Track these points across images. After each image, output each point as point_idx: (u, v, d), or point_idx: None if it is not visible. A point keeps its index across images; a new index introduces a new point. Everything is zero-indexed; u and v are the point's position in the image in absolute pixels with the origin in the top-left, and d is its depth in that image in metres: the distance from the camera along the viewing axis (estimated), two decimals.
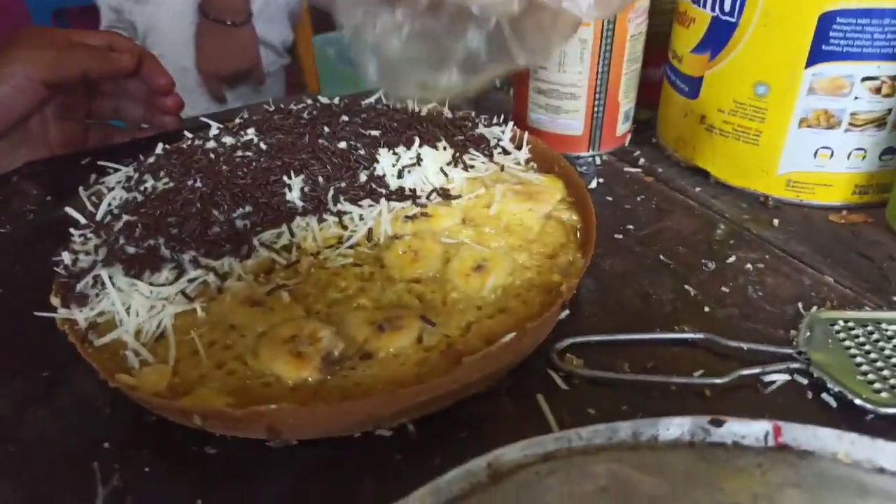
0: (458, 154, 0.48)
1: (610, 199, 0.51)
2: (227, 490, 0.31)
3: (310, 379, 0.33)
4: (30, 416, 0.35)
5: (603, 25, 0.50)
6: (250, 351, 0.35)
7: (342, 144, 0.48)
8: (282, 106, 0.56)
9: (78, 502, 0.31)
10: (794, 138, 0.47)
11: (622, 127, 0.57)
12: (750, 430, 0.27)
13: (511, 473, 0.27)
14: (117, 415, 0.35)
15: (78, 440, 0.34)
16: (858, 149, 0.46)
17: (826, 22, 0.42)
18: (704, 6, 0.48)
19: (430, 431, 0.34)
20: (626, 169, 0.55)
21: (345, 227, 0.42)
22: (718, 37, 0.48)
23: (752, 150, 0.49)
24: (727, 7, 0.46)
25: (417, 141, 0.47)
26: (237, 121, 0.54)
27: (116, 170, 0.50)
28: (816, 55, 0.44)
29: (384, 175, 0.46)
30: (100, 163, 0.50)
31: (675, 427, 0.28)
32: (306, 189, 0.44)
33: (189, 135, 0.52)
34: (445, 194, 0.45)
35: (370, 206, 0.44)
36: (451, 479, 0.26)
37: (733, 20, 0.46)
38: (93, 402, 0.36)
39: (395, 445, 0.33)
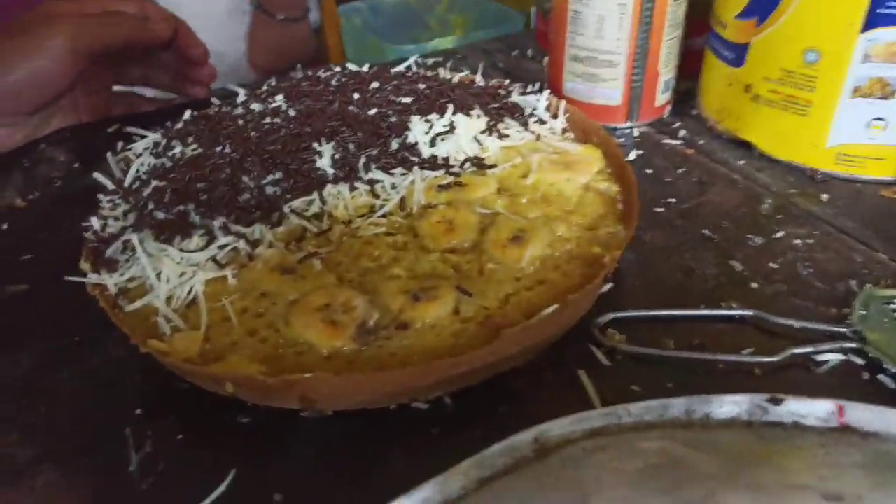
0: (492, 122, 0.46)
1: (649, 171, 0.50)
2: (261, 459, 0.31)
3: (344, 348, 0.32)
4: (59, 378, 0.35)
5: None
6: (282, 319, 0.34)
7: (373, 111, 0.46)
8: (309, 73, 0.54)
9: (110, 467, 0.30)
10: (846, 109, 0.45)
11: (661, 97, 0.55)
12: (811, 410, 0.26)
13: (557, 448, 0.26)
14: (148, 381, 0.35)
15: (108, 405, 0.34)
16: None
17: None
18: None
19: (467, 405, 0.33)
20: (665, 141, 0.53)
21: (376, 196, 0.41)
22: (766, 1, 0.45)
23: (800, 121, 0.47)
24: None
25: (451, 108, 0.46)
26: (264, 88, 0.53)
27: (144, 137, 0.49)
28: (872, 19, 0.41)
29: (416, 143, 0.44)
30: (127, 129, 0.49)
31: (730, 405, 0.26)
32: (337, 156, 0.42)
33: (217, 101, 0.51)
34: (480, 163, 0.44)
35: (402, 174, 0.42)
36: (495, 453, 0.25)
37: None
38: (123, 368, 0.35)
39: (431, 419, 0.32)
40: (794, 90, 0.46)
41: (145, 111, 0.60)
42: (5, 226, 0.46)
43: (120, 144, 0.53)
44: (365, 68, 0.55)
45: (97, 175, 0.43)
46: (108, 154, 0.46)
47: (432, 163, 0.43)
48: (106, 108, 0.59)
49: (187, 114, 0.50)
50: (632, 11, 0.49)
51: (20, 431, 0.32)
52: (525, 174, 0.43)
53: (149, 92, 0.63)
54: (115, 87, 0.60)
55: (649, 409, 0.26)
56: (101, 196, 0.42)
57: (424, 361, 0.32)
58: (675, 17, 0.51)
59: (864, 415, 0.25)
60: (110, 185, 0.43)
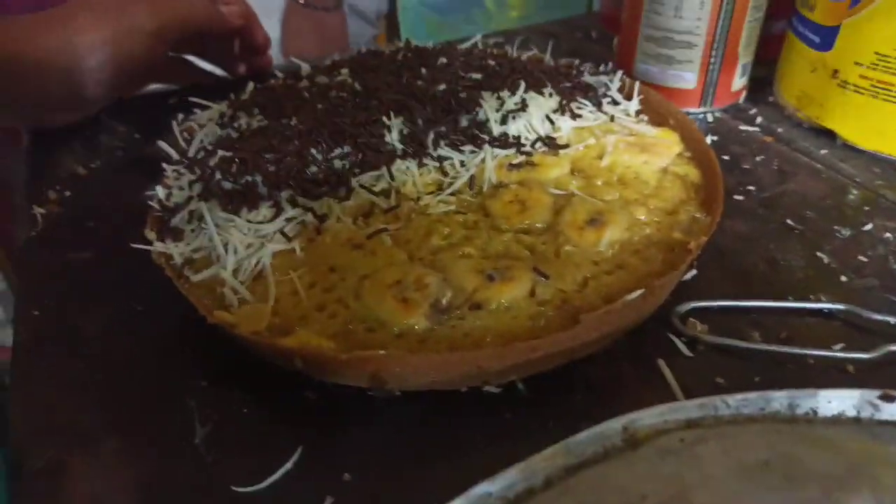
0: (565, 102, 0.45)
1: (726, 158, 0.47)
2: (329, 437, 0.30)
3: (417, 326, 0.31)
4: (123, 346, 0.35)
5: None
6: (352, 294, 0.33)
7: (441, 87, 0.45)
8: (374, 48, 0.53)
9: (175, 438, 0.30)
10: None
11: (738, 82, 0.52)
12: None
13: (649, 439, 0.24)
14: (213, 353, 0.34)
15: (172, 375, 0.33)
16: None
17: None
18: None
19: (541, 391, 0.31)
20: (741, 127, 0.51)
21: (445, 174, 0.40)
22: None
23: (890, 108, 0.44)
24: None
25: (523, 85, 0.44)
26: (327, 62, 0.52)
27: (206, 107, 0.48)
28: None
29: (487, 120, 0.43)
30: (191, 99, 0.49)
31: (838, 400, 0.24)
32: (405, 131, 0.41)
33: (280, 74, 0.50)
34: (552, 143, 0.42)
35: (472, 152, 0.41)
36: (583, 440, 0.24)
37: None
38: (186, 339, 0.35)
39: (504, 403, 0.31)
40: (888, 76, 0.43)
41: (205, 84, 0.59)
42: (67, 193, 0.46)
43: (180, 117, 0.53)
44: (430, 45, 0.54)
45: (161, 143, 0.43)
46: (174, 123, 0.45)
47: (503, 141, 0.42)
48: (161, 78, 0.58)
49: (251, 86, 0.49)
50: None
51: (87, 397, 0.32)
52: (599, 156, 0.41)
53: (204, 65, 0.62)
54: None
55: (749, 401, 0.25)
56: (165, 165, 0.42)
57: (500, 343, 0.30)
58: None
59: None
60: (174, 155, 0.43)
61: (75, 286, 0.38)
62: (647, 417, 0.24)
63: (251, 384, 0.32)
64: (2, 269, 1.59)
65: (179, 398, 0.31)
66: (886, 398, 0.24)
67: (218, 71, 0.61)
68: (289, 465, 0.28)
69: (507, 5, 0.83)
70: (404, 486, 0.28)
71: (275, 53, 0.90)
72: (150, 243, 0.36)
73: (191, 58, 0.60)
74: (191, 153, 0.42)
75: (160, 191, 0.39)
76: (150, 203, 0.39)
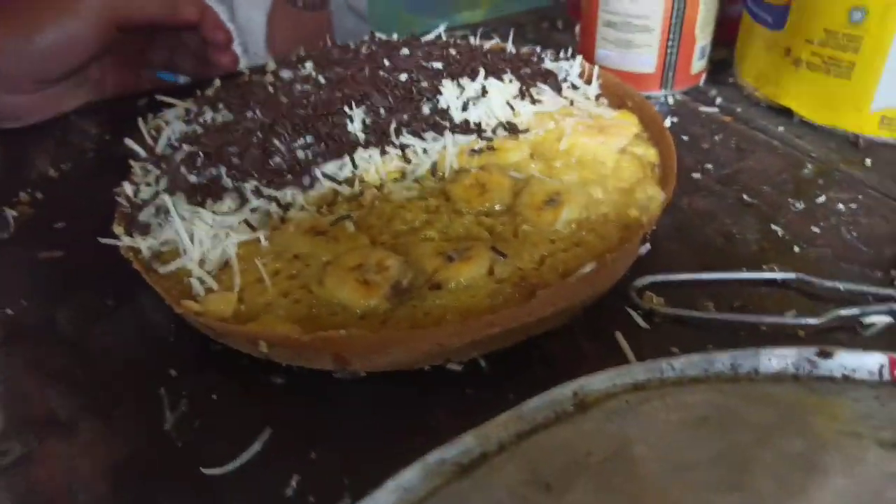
0: (525, 87, 0.46)
1: (685, 138, 0.48)
2: (295, 419, 0.31)
3: (378, 308, 0.32)
4: (94, 338, 0.35)
5: None
6: (316, 279, 0.34)
7: (403, 77, 0.46)
8: (338, 43, 0.54)
9: (147, 424, 0.30)
10: (892, 70, 0.43)
11: (697, 64, 0.53)
12: (862, 363, 0.25)
13: (598, 402, 0.25)
14: (181, 342, 0.35)
15: (142, 365, 0.34)
16: None
17: None
18: None
19: (502, 367, 0.32)
20: (701, 108, 0.52)
21: (408, 161, 0.41)
22: None
23: (842, 84, 0.45)
24: None
25: (482, 73, 0.45)
26: (293, 57, 0.52)
27: (170, 103, 0.49)
28: None
29: (448, 108, 0.43)
30: (158, 97, 0.49)
31: (777, 358, 0.25)
32: (368, 121, 0.42)
33: (246, 70, 0.51)
34: (512, 128, 0.43)
35: (434, 139, 0.42)
36: (534, 407, 0.25)
37: None
38: (157, 330, 0.35)
39: (466, 380, 0.32)
40: (838, 52, 0.45)
41: (176, 84, 0.60)
42: (39, 195, 0.46)
43: (150, 116, 0.54)
44: (394, 37, 0.54)
45: (128, 141, 0.43)
46: (139, 120, 0.45)
47: (464, 127, 0.42)
48: (133, 87, 0.60)
49: (217, 82, 0.49)
50: None
51: (61, 388, 0.32)
52: (559, 139, 0.42)
53: (178, 78, 0.63)
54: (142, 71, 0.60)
55: (692, 363, 0.26)
56: (132, 162, 0.42)
57: (460, 319, 0.31)
58: None
59: None
60: (142, 153, 0.43)
61: (47, 284, 0.39)
62: (597, 382, 0.25)
63: (219, 372, 0.33)
64: None
65: (150, 387, 0.32)
66: (823, 354, 0.25)
67: (181, 79, 0.61)
68: (256, 447, 0.29)
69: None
70: (369, 460, 0.28)
71: (261, 50, 0.91)
72: (118, 238, 0.37)
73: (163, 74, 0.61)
74: (158, 149, 0.43)
75: (127, 187, 0.40)
76: (118, 199, 0.40)
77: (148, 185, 0.40)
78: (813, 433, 0.21)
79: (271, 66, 0.51)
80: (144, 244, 0.36)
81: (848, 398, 0.23)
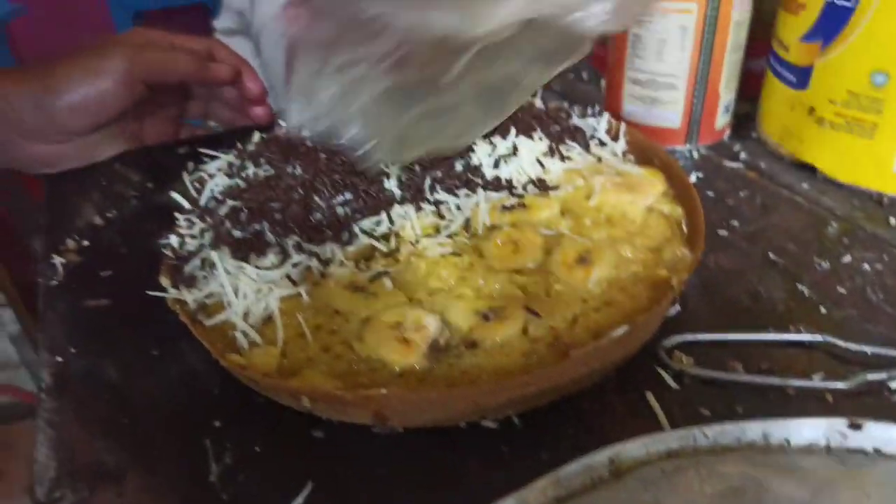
0: (554, 145, 0.47)
1: (711, 194, 0.50)
2: (336, 472, 0.32)
3: (416, 366, 0.33)
4: (140, 388, 0.37)
5: (706, 11, 0.49)
6: (356, 336, 0.35)
7: None
8: None
9: (193, 476, 0.32)
10: None
11: (721, 120, 0.55)
12: (892, 436, 0.25)
13: (633, 469, 0.26)
14: (225, 393, 0.36)
15: (188, 415, 0.35)
16: None
17: None
18: None
19: (536, 425, 0.33)
20: (726, 163, 0.53)
21: (442, 217, 0.42)
22: (832, 23, 0.45)
23: (865, 143, 0.47)
24: None
25: (513, 131, 0.47)
26: None
27: (214, 157, 0.51)
28: None
29: (480, 165, 0.45)
30: (200, 150, 0.51)
31: (809, 429, 0.26)
32: (403, 177, 0.44)
33: (283, 123, 0.53)
34: (542, 185, 0.44)
35: (467, 195, 0.43)
36: (571, 472, 0.26)
37: (850, 5, 0.44)
38: (200, 380, 0.37)
39: (501, 437, 0.33)
40: (861, 113, 0.46)
41: (215, 133, 0.62)
42: (86, 242, 0.48)
43: (190, 165, 0.56)
44: None
45: (174, 194, 0.45)
46: (184, 174, 0.48)
47: (496, 184, 0.44)
48: (172, 137, 0.62)
49: (256, 136, 0.51)
50: (693, 34, 0.49)
51: (109, 437, 0.34)
52: (588, 196, 0.44)
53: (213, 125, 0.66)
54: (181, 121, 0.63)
55: (725, 432, 0.27)
56: (178, 214, 0.44)
57: (495, 380, 0.32)
58: (737, 40, 0.51)
59: None
60: (186, 205, 0.45)
61: (95, 332, 0.41)
62: (632, 449, 0.26)
63: (261, 423, 0.34)
64: (16, 310, 1.62)
65: (195, 438, 0.33)
66: (853, 426, 0.26)
67: (216, 126, 0.64)
68: (300, 500, 0.30)
69: None
70: None
71: (281, 87, 0.94)
72: (165, 290, 0.38)
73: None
74: (202, 203, 0.45)
75: (173, 239, 0.42)
76: (164, 251, 0.41)
77: (192, 237, 0.42)
78: None
79: None
80: (190, 296, 0.38)
81: (879, 472, 0.24)
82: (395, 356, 0.33)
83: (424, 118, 0.35)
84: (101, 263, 0.46)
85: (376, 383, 0.33)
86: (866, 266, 0.42)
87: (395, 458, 0.32)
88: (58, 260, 0.46)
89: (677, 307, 0.38)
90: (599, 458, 0.26)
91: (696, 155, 0.55)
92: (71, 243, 0.48)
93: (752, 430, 0.26)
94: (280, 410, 0.34)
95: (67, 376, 0.38)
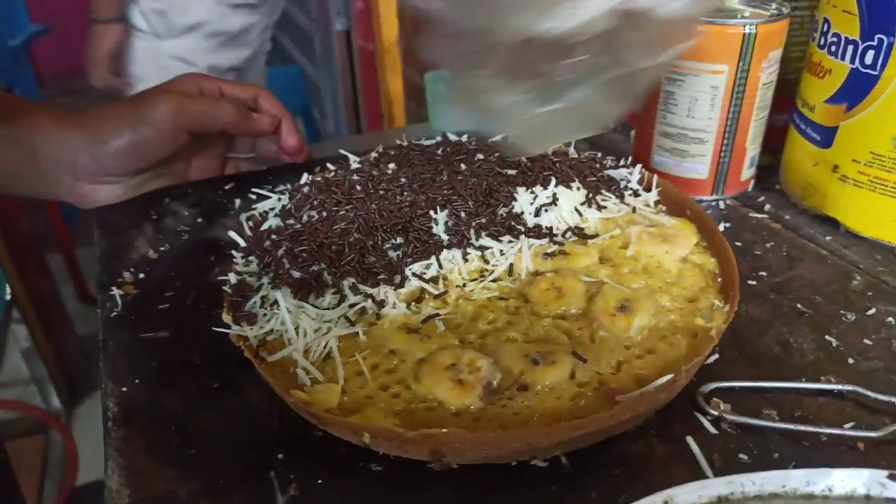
0: (591, 195, 0.50)
1: (739, 244, 0.52)
2: (395, 503, 0.33)
3: (472, 406, 0.35)
4: (203, 420, 0.39)
5: (736, 74, 0.51)
6: (412, 375, 0.37)
7: (480, 182, 0.50)
8: (413, 141, 0.59)
9: None
10: None
11: (747, 172, 0.57)
12: None
13: None
14: (284, 427, 0.38)
15: (250, 448, 0.37)
16: None
17: None
18: (843, 58, 0.49)
19: (583, 466, 0.35)
20: (751, 214, 0.56)
21: (487, 262, 0.45)
22: (857, 89, 0.48)
23: (887, 201, 0.49)
24: (868, 60, 0.47)
25: (553, 181, 0.49)
26: (373, 155, 0.57)
27: (262, 195, 0.54)
28: None
29: (522, 213, 0.48)
30: (254, 191, 0.54)
31: (850, 478, 0.28)
32: (450, 223, 0.46)
33: (331, 167, 0.56)
34: (581, 233, 0.47)
35: (510, 242, 0.46)
36: None
37: (875, 73, 0.47)
38: (260, 413, 0.39)
39: (549, 477, 0.35)
40: (884, 172, 0.48)
41: (258, 170, 0.65)
42: (141, 275, 0.51)
43: (237, 202, 0.58)
44: (465, 138, 0.59)
45: (231, 233, 0.48)
46: (241, 215, 0.50)
47: (537, 232, 0.46)
48: (217, 173, 0.65)
49: (305, 177, 0.54)
50: (723, 94, 0.52)
51: (178, 467, 0.36)
52: (624, 245, 0.46)
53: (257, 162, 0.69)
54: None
55: (770, 479, 0.28)
56: (234, 252, 0.47)
57: (545, 422, 0.34)
58: (764, 99, 0.54)
59: None
60: (242, 243, 0.47)
61: (156, 364, 0.43)
62: (684, 493, 0.28)
63: (321, 457, 0.36)
64: (29, 327, 1.63)
65: (260, 469, 0.35)
66: (893, 478, 0.28)
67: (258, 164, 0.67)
68: None
69: None
70: None
71: None
72: (227, 325, 0.40)
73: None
74: (263, 244, 0.47)
75: (233, 277, 0.44)
76: (225, 288, 0.44)
77: (251, 275, 0.44)
78: None
79: (354, 161, 0.56)
80: (251, 333, 0.40)
81: None
82: (452, 397, 0.35)
83: (559, 112, 0.40)
84: (158, 296, 0.48)
85: (433, 421, 0.35)
86: (891, 319, 0.44)
87: (450, 493, 0.34)
88: (116, 292, 0.48)
89: (716, 356, 0.40)
90: (654, 500, 0.28)
91: (722, 205, 0.57)
92: (128, 276, 0.50)
93: (797, 478, 0.28)
94: (338, 444, 0.36)
95: (132, 406, 0.40)
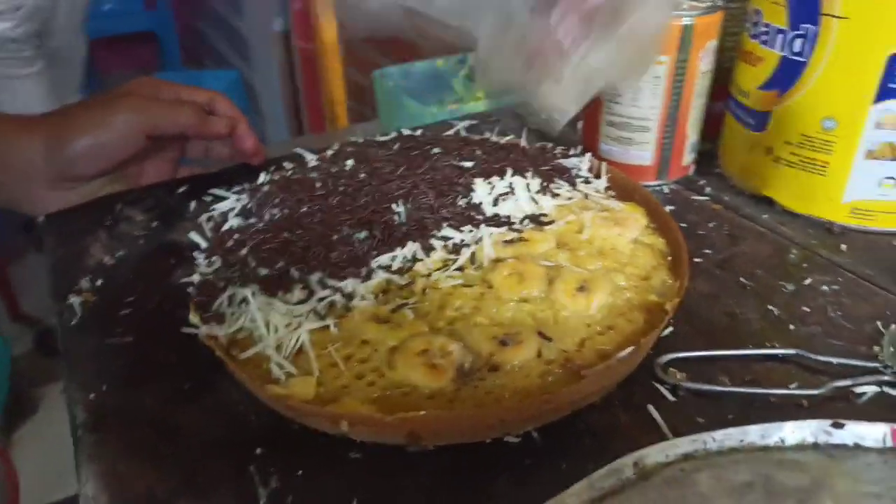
0: (545, 183, 0.51)
1: (684, 225, 0.55)
2: (377, 489, 0.34)
3: (445, 389, 0.36)
4: (178, 419, 0.39)
5: (676, 63, 0.54)
6: (386, 363, 0.38)
7: (438, 175, 0.51)
8: (368, 138, 0.60)
9: (242, 501, 0.34)
10: (860, 169, 0.51)
11: (688, 157, 0.60)
12: (869, 432, 0.30)
13: (656, 471, 0.30)
14: (261, 422, 0.38)
15: (228, 445, 0.37)
16: None
17: (894, 61, 0.46)
18: (773, 47, 0.52)
19: (553, 439, 0.37)
20: (693, 197, 0.59)
21: (449, 251, 0.46)
22: (787, 75, 0.52)
23: (818, 180, 0.53)
24: (796, 48, 0.50)
25: (509, 171, 0.51)
26: (329, 153, 0.58)
27: (218, 196, 0.54)
28: (884, 92, 0.47)
29: (480, 203, 0.49)
30: (211, 192, 0.54)
31: (799, 429, 0.31)
32: (413, 216, 0.47)
33: (288, 165, 0.56)
34: (538, 220, 0.49)
35: (471, 231, 0.47)
36: (602, 475, 0.29)
37: (803, 60, 0.50)
38: (236, 410, 0.39)
39: (522, 451, 0.36)
40: (813, 153, 0.52)
41: (212, 172, 0.65)
42: (99, 282, 0.50)
43: (193, 205, 0.58)
44: (419, 132, 0.60)
45: (193, 234, 0.48)
46: (203, 217, 0.50)
47: (496, 220, 0.48)
48: (170, 176, 0.64)
49: (263, 176, 0.54)
50: (665, 83, 0.55)
51: (157, 467, 0.36)
52: (579, 230, 0.48)
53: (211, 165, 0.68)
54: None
55: (729, 435, 0.31)
56: (196, 254, 0.47)
57: (518, 399, 0.36)
58: (702, 87, 0.57)
59: None
60: (204, 244, 0.47)
61: (124, 369, 0.42)
62: (652, 454, 0.30)
63: (300, 449, 0.37)
64: None
65: (240, 465, 0.36)
66: (836, 426, 0.31)
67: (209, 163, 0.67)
68: None
69: (474, 87, 0.91)
70: None
71: None
72: (196, 326, 0.40)
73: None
74: (224, 244, 0.47)
75: (197, 278, 0.44)
76: (189, 290, 0.43)
77: (215, 275, 0.44)
78: (841, 495, 0.26)
79: (311, 158, 0.56)
80: (221, 332, 0.40)
81: (862, 463, 0.29)
82: (427, 380, 0.36)
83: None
84: (120, 302, 0.47)
85: (409, 406, 0.36)
86: (825, 288, 0.47)
87: (429, 474, 0.35)
88: (75, 300, 0.48)
89: (670, 328, 0.42)
90: (625, 461, 0.30)
91: (666, 190, 0.60)
92: (85, 283, 0.49)
93: (753, 432, 0.31)
94: (314, 436, 0.37)
95: (103, 411, 0.39)
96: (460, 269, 0.45)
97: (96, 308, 0.48)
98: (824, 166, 0.52)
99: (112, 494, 0.34)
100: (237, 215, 0.50)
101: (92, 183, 0.58)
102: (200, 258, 0.46)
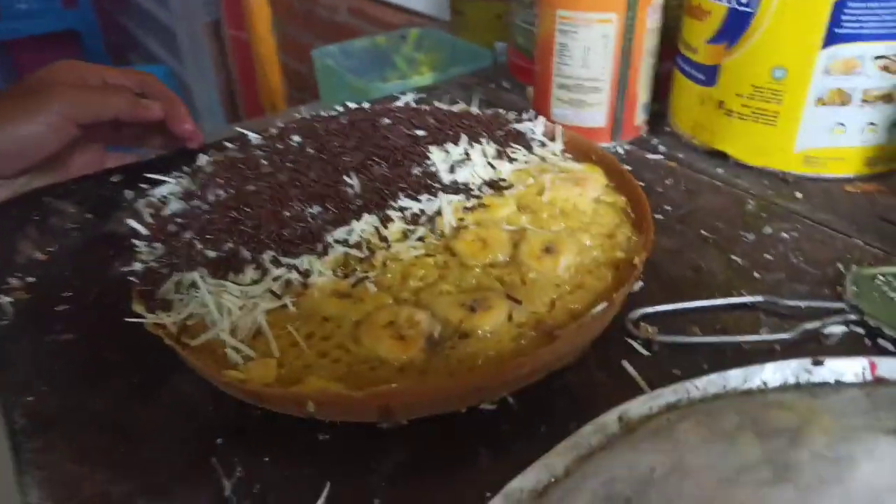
0: (501, 148, 0.50)
1: (641, 183, 0.54)
2: (351, 470, 0.33)
3: (416, 360, 0.35)
4: (130, 417, 0.36)
5: (625, 21, 0.53)
6: (350, 338, 0.36)
7: (391, 144, 0.49)
8: (313, 114, 0.57)
9: (206, 495, 0.32)
10: (811, 117, 0.51)
11: (640, 117, 0.60)
12: (848, 367, 0.30)
13: (641, 424, 0.29)
14: (220, 411, 0.36)
15: (187, 438, 0.35)
16: (871, 123, 0.50)
17: (839, 7, 0.46)
18: None
19: (529, 403, 0.36)
20: (648, 156, 0.58)
21: (408, 221, 0.44)
22: (735, 27, 0.51)
23: (770, 130, 0.53)
24: None
25: (465, 138, 0.49)
26: (273, 131, 0.55)
27: (158, 182, 0.50)
28: (831, 38, 0.47)
29: (437, 171, 0.47)
30: (148, 176, 0.50)
31: (780, 371, 0.30)
32: (367, 187, 0.45)
33: (230, 145, 0.53)
34: (497, 186, 0.47)
35: (429, 200, 0.45)
36: (587, 433, 0.28)
37: (750, 10, 0.50)
38: (192, 400, 0.37)
39: (500, 418, 0.35)
40: (764, 103, 0.52)
41: (147, 159, 0.61)
42: (30, 279, 0.46)
43: (127, 192, 0.55)
44: (366, 105, 0.58)
45: (131, 221, 0.44)
46: (140, 202, 0.47)
47: (454, 188, 0.46)
48: (99, 165, 0.60)
49: (204, 158, 0.51)
50: (614, 42, 0.54)
51: (111, 468, 0.33)
52: (539, 192, 0.47)
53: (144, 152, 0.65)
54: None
55: (712, 382, 0.30)
56: (136, 241, 0.43)
57: (491, 364, 0.34)
58: (651, 46, 0.56)
59: (892, 367, 0.30)
60: (144, 231, 0.44)
61: (67, 367, 0.39)
62: (636, 406, 0.29)
63: (265, 435, 0.35)
64: None
65: (200, 457, 0.33)
66: (816, 363, 0.30)
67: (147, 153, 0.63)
68: (321, 501, 0.31)
69: (417, 63, 0.89)
70: (435, 499, 0.31)
71: None
72: (141, 316, 0.38)
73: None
74: (168, 228, 0.44)
75: (138, 266, 0.41)
76: (131, 279, 0.40)
77: (158, 261, 0.41)
78: (831, 431, 0.25)
79: (255, 138, 0.53)
80: (170, 319, 0.37)
81: (845, 398, 0.28)
82: (396, 353, 0.35)
83: None
84: (55, 298, 0.44)
85: (378, 380, 0.34)
86: (785, 235, 0.48)
87: (405, 449, 0.34)
88: (4, 299, 0.44)
89: (640, 283, 0.41)
90: (610, 416, 0.29)
91: (620, 150, 0.60)
92: (15, 281, 0.46)
93: (734, 377, 0.30)
94: (279, 420, 0.35)
95: (46, 414, 0.36)
96: (421, 238, 0.43)
97: (30, 306, 0.44)
98: (775, 116, 0.52)
99: (60, 500, 0.32)
100: (179, 198, 0.47)
101: (18, 178, 0.54)
102: (141, 246, 0.43)
